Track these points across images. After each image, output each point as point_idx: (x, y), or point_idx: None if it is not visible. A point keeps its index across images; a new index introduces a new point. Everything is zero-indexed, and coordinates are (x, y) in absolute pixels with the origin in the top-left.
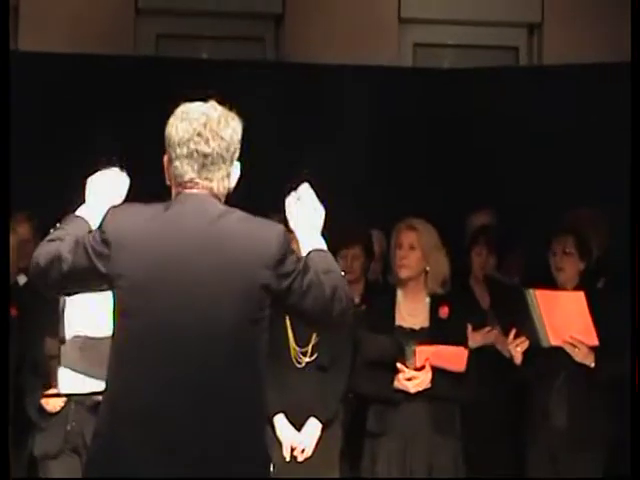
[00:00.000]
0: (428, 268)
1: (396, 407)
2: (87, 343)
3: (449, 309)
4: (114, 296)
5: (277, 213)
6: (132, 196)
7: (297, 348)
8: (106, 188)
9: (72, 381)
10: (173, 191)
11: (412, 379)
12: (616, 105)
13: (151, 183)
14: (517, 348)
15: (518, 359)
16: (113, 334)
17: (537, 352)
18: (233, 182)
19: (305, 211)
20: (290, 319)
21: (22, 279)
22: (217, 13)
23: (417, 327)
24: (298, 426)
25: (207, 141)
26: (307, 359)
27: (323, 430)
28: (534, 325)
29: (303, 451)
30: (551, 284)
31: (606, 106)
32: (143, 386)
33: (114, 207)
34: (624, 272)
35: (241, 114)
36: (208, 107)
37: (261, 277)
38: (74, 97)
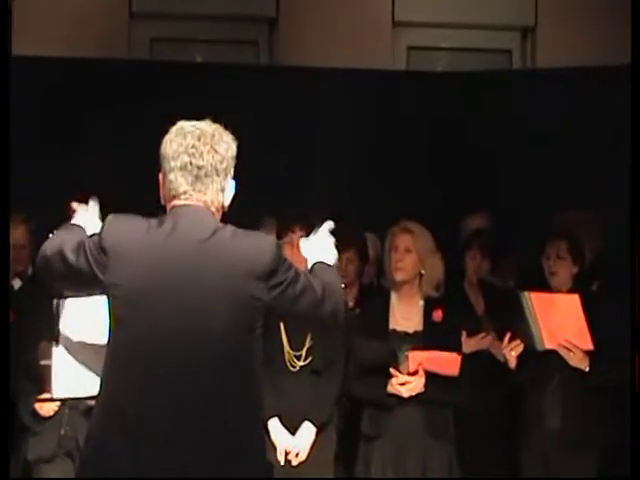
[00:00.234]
0: (423, 271)
1: (390, 411)
2: (81, 348)
3: (443, 312)
4: (109, 304)
5: (270, 217)
6: (127, 200)
7: (291, 352)
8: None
9: (66, 385)
10: (167, 205)
11: (405, 384)
12: (610, 108)
13: (147, 186)
14: (512, 352)
15: (513, 363)
16: (108, 341)
17: (531, 356)
18: (228, 198)
19: (318, 245)
20: (284, 323)
21: (17, 283)
22: (211, 17)
23: (411, 330)
24: (292, 430)
25: (201, 154)
26: (301, 363)
27: (317, 434)
28: (529, 328)
29: (297, 455)
30: (545, 288)
31: (600, 109)
32: (136, 393)
33: (113, 216)
34: (618, 275)
35: (235, 118)
36: (203, 123)
37: (253, 288)
38: (68, 101)
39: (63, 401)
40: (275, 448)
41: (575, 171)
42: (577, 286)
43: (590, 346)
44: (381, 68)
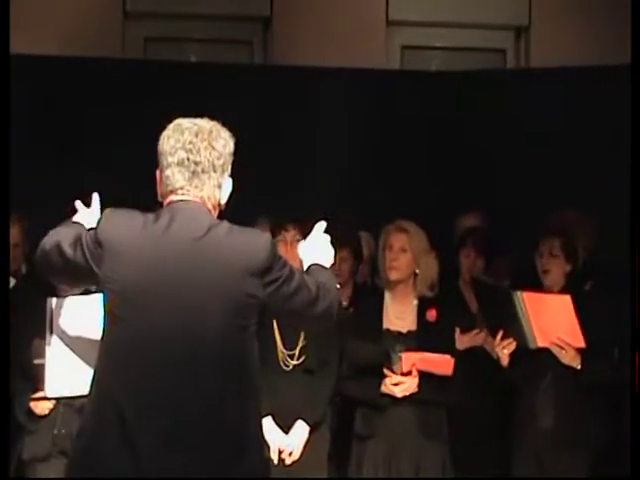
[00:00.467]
0: (418, 271)
1: (383, 411)
2: (74, 347)
3: (437, 312)
4: (104, 298)
5: (266, 216)
6: (123, 195)
7: (284, 351)
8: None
9: (59, 384)
10: (164, 201)
11: (399, 384)
12: (604, 107)
13: (142, 185)
14: (504, 350)
15: (505, 361)
16: (102, 336)
17: (524, 354)
18: (225, 194)
19: (315, 248)
20: (277, 322)
21: (10, 282)
22: (205, 16)
23: (405, 330)
24: (286, 429)
25: (198, 150)
26: (294, 362)
27: (311, 433)
28: (521, 327)
29: (291, 454)
30: (538, 286)
31: (594, 108)
32: (131, 390)
33: (110, 210)
34: (611, 274)
35: (229, 117)
36: (200, 120)
37: (248, 285)
38: (61, 100)
39: (57, 400)
40: (268, 447)
41: (570, 170)
42: (570, 284)
43: (582, 344)
44: (375, 67)
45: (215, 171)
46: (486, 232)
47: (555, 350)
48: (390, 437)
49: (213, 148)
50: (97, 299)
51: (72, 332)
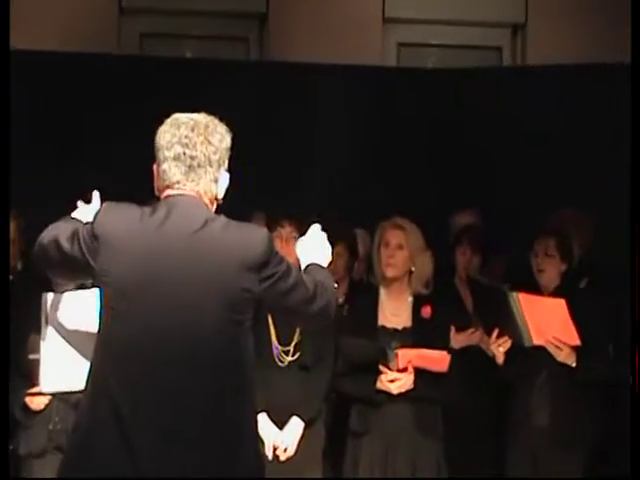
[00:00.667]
0: (413, 269)
1: (379, 408)
2: (69, 342)
3: (432, 309)
4: (101, 293)
5: (262, 211)
6: (119, 190)
7: (280, 347)
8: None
9: (54, 379)
10: (161, 196)
11: (395, 381)
12: (600, 105)
13: (137, 182)
14: (500, 348)
15: (500, 359)
16: (99, 330)
17: (519, 352)
18: (222, 189)
19: (313, 248)
20: (272, 318)
21: None
22: (201, 12)
23: (400, 327)
24: (280, 425)
25: (195, 144)
26: (290, 358)
27: (305, 429)
28: (517, 325)
29: (285, 450)
30: (533, 285)
31: (590, 106)
32: (125, 385)
33: (107, 204)
34: (606, 272)
35: (225, 114)
36: (197, 115)
37: (244, 280)
38: (57, 95)
39: (52, 395)
40: (263, 443)
41: (566, 168)
42: (565, 284)
43: (577, 341)
44: (371, 64)
45: (211, 166)
46: (482, 230)
47: (550, 348)
48: (385, 434)
49: (209, 143)
50: (93, 294)
51: (67, 327)
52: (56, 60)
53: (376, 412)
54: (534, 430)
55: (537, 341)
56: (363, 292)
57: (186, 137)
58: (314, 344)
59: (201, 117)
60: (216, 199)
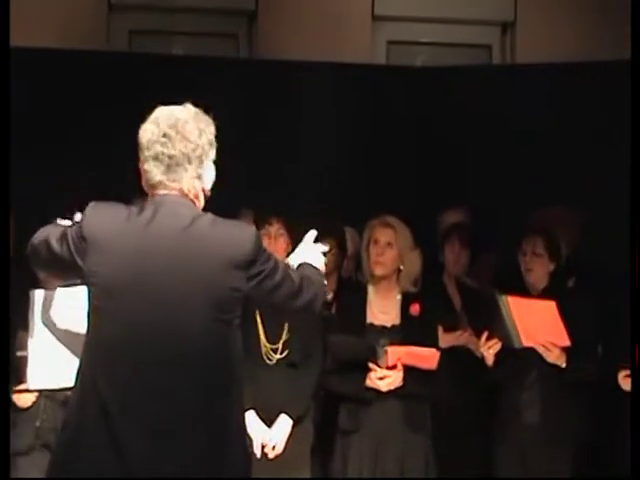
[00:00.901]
0: (402, 267)
1: (368, 405)
2: (58, 339)
3: (421, 307)
4: (89, 292)
5: (249, 209)
6: (108, 192)
7: (268, 345)
8: None
9: (41, 377)
10: (148, 194)
11: (384, 378)
12: (590, 103)
13: (126, 179)
14: (489, 350)
15: (490, 361)
16: (87, 330)
17: (509, 353)
18: (208, 183)
19: (307, 252)
20: (261, 317)
21: None
22: (190, 9)
23: (388, 324)
24: (269, 423)
25: (173, 143)
26: (278, 356)
27: (294, 427)
28: (506, 328)
29: (274, 448)
30: (521, 283)
31: (580, 104)
32: (113, 384)
33: (94, 204)
34: (594, 271)
35: (214, 111)
36: (180, 109)
37: (232, 279)
38: (44, 92)
39: (39, 392)
40: (251, 441)
41: (555, 167)
42: (553, 283)
43: (567, 342)
44: (361, 62)
45: (191, 163)
46: (470, 229)
47: (540, 350)
48: (374, 431)
49: (188, 140)
50: (81, 291)
51: (56, 324)
52: (44, 57)
53: (365, 410)
54: (523, 428)
55: (527, 343)
56: (352, 290)
57: (164, 136)
58: (302, 342)
59: (182, 112)
60: (203, 192)
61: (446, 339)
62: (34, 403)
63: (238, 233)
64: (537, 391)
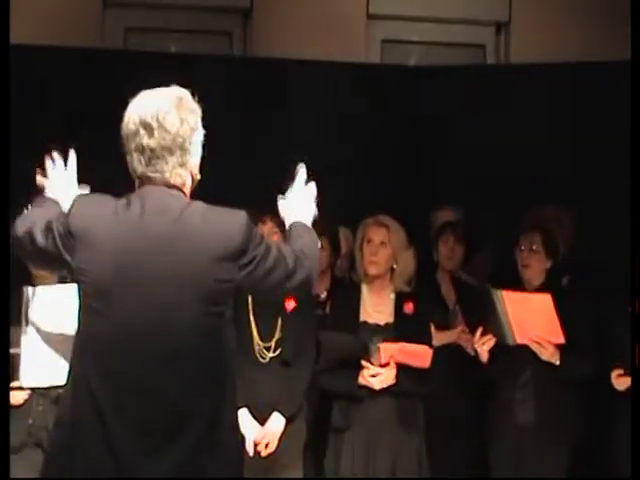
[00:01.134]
0: (395, 266)
1: (361, 403)
2: (50, 336)
3: (414, 305)
4: (79, 290)
5: (243, 207)
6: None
7: (261, 343)
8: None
9: (34, 374)
10: (135, 185)
11: (377, 376)
12: (584, 103)
13: (117, 178)
14: (483, 346)
15: (484, 357)
16: (78, 327)
17: (503, 350)
18: (194, 167)
19: (297, 203)
20: (255, 315)
21: None
22: (185, 7)
23: (382, 323)
24: (262, 421)
25: (152, 134)
26: (271, 354)
27: (287, 425)
28: (500, 324)
29: (267, 446)
30: (516, 279)
31: (573, 104)
32: (105, 381)
33: (80, 197)
34: (589, 269)
35: (207, 108)
36: (162, 96)
37: (223, 271)
38: (39, 89)
39: (32, 390)
40: (244, 439)
41: (548, 166)
42: (549, 280)
43: (562, 339)
44: (355, 61)
45: (172, 153)
46: (464, 227)
47: (534, 347)
48: (367, 429)
49: (166, 131)
50: (74, 288)
51: (48, 321)
52: (38, 54)
53: (358, 407)
54: (517, 426)
55: (521, 340)
56: (345, 289)
57: (145, 127)
58: (295, 340)
59: (163, 100)
60: (192, 180)
61: (439, 337)
62: (26, 401)
63: (227, 223)
64: (531, 389)
